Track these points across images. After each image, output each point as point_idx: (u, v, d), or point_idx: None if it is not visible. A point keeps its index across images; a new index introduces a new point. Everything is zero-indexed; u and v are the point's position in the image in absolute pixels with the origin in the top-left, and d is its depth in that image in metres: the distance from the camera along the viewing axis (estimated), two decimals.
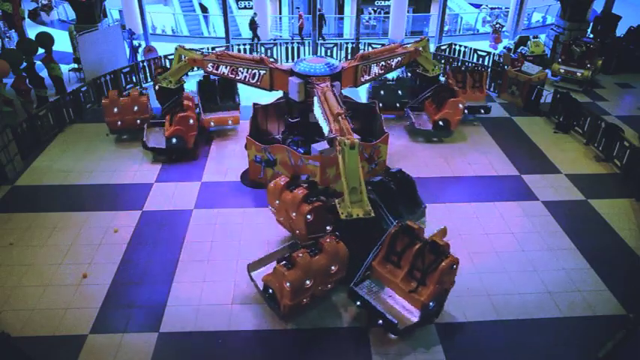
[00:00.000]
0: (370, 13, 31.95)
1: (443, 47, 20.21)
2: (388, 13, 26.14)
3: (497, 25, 23.25)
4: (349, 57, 19.63)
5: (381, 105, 13.76)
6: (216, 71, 12.38)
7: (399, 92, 15.17)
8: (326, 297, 8.60)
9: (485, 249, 9.87)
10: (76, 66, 18.38)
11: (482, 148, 13.81)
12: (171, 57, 18.35)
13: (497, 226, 10.58)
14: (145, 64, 17.79)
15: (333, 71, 11.31)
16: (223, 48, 19.79)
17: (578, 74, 17.58)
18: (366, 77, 12.67)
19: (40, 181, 12.12)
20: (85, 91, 15.48)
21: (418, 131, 14.24)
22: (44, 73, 16.76)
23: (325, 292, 8.43)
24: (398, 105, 15.10)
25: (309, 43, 20.99)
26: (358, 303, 8.01)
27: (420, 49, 13.69)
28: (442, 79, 15.43)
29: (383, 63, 12.84)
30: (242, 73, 12.09)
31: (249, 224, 10.57)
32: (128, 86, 17.23)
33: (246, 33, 26.89)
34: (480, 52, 19.46)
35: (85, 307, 8.46)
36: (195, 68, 15.06)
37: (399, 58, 13.17)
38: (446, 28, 25.82)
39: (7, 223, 10.57)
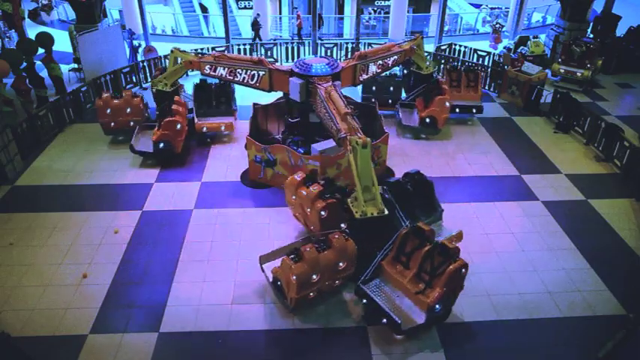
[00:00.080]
0: (370, 13, 31.96)
1: (443, 47, 20.21)
2: (388, 13, 26.16)
3: (497, 25, 23.25)
4: (349, 57, 19.63)
5: (373, 101, 13.94)
6: (213, 73, 12.25)
7: (390, 89, 15.37)
8: (334, 293, 8.66)
9: (485, 249, 9.87)
10: (76, 66, 18.39)
11: (482, 148, 13.81)
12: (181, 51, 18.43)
13: (497, 226, 10.58)
14: (144, 64, 17.79)
15: (334, 71, 11.32)
16: (223, 48, 19.87)
17: (578, 74, 17.58)
18: (365, 76, 12.71)
19: (40, 181, 12.12)
20: (85, 91, 15.48)
21: (420, 130, 14.28)
22: (44, 73, 16.76)
23: (333, 288, 8.52)
24: (390, 101, 15.25)
25: (309, 43, 20.99)
26: (364, 301, 8.07)
27: (415, 47, 13.83)
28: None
29: (380, 62, 12.94)
30: (240, 74, 12.00)
31: (249, 224, 10.57)
32: (128, 86, 17.26)
33: (246, 33, 26.94)
34: (480, 52, 19.46)
35: (85, 307, 8.46)
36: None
37: (396, 57, 13.34)
38: (446, 28, 25.83)
39: (7, 223, 10.57)
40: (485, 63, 18.75)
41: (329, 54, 20.24)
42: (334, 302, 8.58)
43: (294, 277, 7.66)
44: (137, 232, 10.30)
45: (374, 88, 15.13)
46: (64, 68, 17.96)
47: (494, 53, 19.31)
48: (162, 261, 9.51)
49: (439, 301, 7.55)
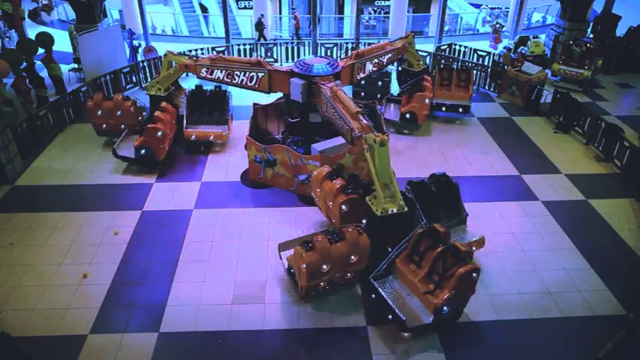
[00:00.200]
0: (370, 13, 31.96)
1: (443, 47, 20.21)
2: (388, 13, 26.16)
3: (497, 25, 23.24)
4: (346, 56, 19.64)
5: (363, 94, 14.06)
6: (210, 76, 12.09)
7: (379, 83, 15.53)
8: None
9: (486, 249, 9.84)
10: (76, 66, 18.38)
11: (482, 148, 13.81)
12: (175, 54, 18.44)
13: (497, 226, 10.58)
14: (145, 64, 17.78)
15: (335, 70, 11.33)
16: (223, 48, 19.87)
17: (577, 73, 17.57)
18: (362, 75, 12.80)
19: (40, 181, 12.12)
20: (85, 91, 15.47)
21: (401, 125, 14.47)
22: (44, 73, 16.76)
23: (344, 280, 8.65)
24: (379, 96, 15.40)
25: (308, 43, 20.99)
26: (373, 296, 8.16)
27: (407, 44, 14.01)
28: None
29: (376, 60, 13.07)
30: (239, 76, 11.86)
31: (249, 224, 10.57)
32: (128, 86, 17.26)
33: (246, 33, 26.94)
34: (480, 52, 19.46)
35: (85, 307, 8.46)
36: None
37: (390, 55, 13.52)
38: (446, 28, 25.83)
39: (7, 223, 10.57)
40: (485, 63, 18.74)
41: (329, 54, 20.24)
42: (335, 302, 8.59)
43: (304, 266, 7.88)
44: (137, 232, 10.30)
45: (363, 82, 15.22)
46: (64, 68, 17.96)
47: (494, 53, 19.31)
48: (162, 261, 9.51)
49: (447, 302, 7.53)
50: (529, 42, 19.47)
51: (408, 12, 25.41)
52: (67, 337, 7.91)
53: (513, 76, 16.60)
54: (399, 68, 16.09)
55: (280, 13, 30.99)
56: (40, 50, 17.00)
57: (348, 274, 8.57)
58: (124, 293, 8.76)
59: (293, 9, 29.70)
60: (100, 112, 13.18)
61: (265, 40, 21.92)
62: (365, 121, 9.42)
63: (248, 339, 7.92)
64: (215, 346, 7.79)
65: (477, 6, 30.94)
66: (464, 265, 7.46)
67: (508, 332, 8.12)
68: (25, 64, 15.57)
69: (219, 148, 13.58)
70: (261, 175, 11.84)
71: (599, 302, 8.70)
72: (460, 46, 20.19)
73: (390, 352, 7.71)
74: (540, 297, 8.78)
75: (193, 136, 13.11)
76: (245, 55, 20.04)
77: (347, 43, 20.65)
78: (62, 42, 20.11)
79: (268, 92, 12.05)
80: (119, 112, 13.18)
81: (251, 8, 25.03)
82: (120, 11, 24.78)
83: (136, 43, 20.15)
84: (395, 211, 8.43)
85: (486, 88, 17.76)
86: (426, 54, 18.88)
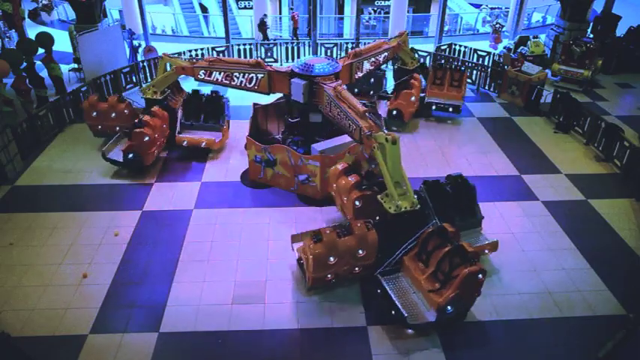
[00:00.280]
0: (370, 13, 31.98)
1: (443, 47, 20.21)
2: (388, 13, 26.17)
3: (497, 25, 23.24)
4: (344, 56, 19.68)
5: (356, 91, 14.22)
6: (208, 78, 11.96)
7: (371, 80, 15.63)
8: (347, 286, 8.81)
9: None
10: (76, 66, 18.37)
11: (482, 148, 13.81)
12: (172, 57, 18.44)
13: (497, 226, 10.57)
14: (145, 64, 17.78)
15: (336, 70, 11.34)
16: (223, 48, 19.88)
17: (577, 73, 17.57)
18: (360, 74, 12.85)
19: (40, 181, 12.12)
20: (85, 91, 15.47)
21: (387, 122, 14.47)
22: (44, 73, 16.76)
23: (352, 275, 8.73)
24: (372, 93, 15.48)
25: (308, 43, 20.99)
26: (379, 291, 8.23)
27: (401, 43, 14.19)
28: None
29: (373, 59, 13.16)
30: (238, 78, 11.76)
31: (249, 224, 10.57)
32: (128, 86, 17.27)
33: (246, 33, 26.95)
34: (480, 52, 19.46)
35: (85, 307, 8.46)
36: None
37: (386, 53, 13.66)
38: (446, 28, 25.83)
39: (7, 223, 10.57)
40: (485, 63, 18.75)
41: (329, 54, 20.24)
42: (335, 302, 8.59)
43: (311, 257, 8.03)
44: (137, 232, 10.30)
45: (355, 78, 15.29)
46: (64, 68, 17.95)
47: (494, 53, 19.31)
48: (163, 261, 9.51)
49: (450, 302, 7.53)
50: (529, 42, 19.46)
51: (408, 12, 25.41)
52: (67, 337, 7.91)
53: (513, 76, 16.60)
54: (395, 66, 16.23)
55: (280, 13, 31.00)
56: (40, 50, 16.99)
57: (356, 269, 8.64)
58: (124, 293, 8.76)
59: (291, 9, 29.67)
60: (94, 114, 13.11)
61: (267, 40, 21.91)
62: (373, 120, 9.45)
63: (248, 339, 7.92)
64: (215, 346, 7.79)
65: (477, 6, 30.95)
66: (469, 266, 7.46)
67: (508, 332, 8.12)
68: (25, 64, 15.56)
69: (219, 149, 13.55)
70: (261, 175, 11.84)
71: (599, 302, 8.69)
72: (460, 46, 20.20)
73: (390, 351, 7.71)
74: (540, 297, 8.78)
75: (185, 142, 12.85)
76: (245, 56, 20.06)
77: (347, 43, 20.65)
78: (62, 42, 20.11)
79: (268, 93, 12.00)
80: (113, 114, 13.05)
81: (251, 8, 25.02)
82: (120, 11, 24.79)
83: (136, 43, 20.14)
84: (408, 208, 8.46)
85: (486, 88, 17.76)
86: (426, 54, 18.91)
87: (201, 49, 19.26)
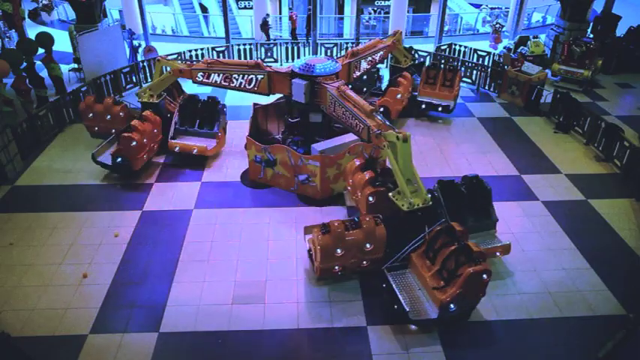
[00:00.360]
0: (370, 13, 31.98)
1: (443, 47, 20.21)
2: (388, 13, 26.17)
3: (497, 25, 23.24)
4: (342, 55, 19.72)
5: (350, 87, 14.10)
6: (207, 80, 11.84)
7: (364, 77, 15.62)
8: (347, 286, 8.87)
9: None
10: (76, 66, 18.38)
11: (482, 148, 13.81)
12: (172, 57, 18.44)
13: (497, 226, 10.55)
14: (145, 64, 17.78)
15: (337, 70, 11.35)
16: (223, 48, 19.88)
17: (577, 73, 17.58)
18: (357, 73, 12.91)
19: (40, 181, 12.12)
20: (85, 91, 15.47)
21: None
22: (44, 73, 16.77)
23: (360, 268, 8.86)
24: (365, 90, 15.52)
25: (308, 43, 20.99)
26: (384, 285, 8.36)
27: (395, 41, 14.32)
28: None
29: (370, 58, 13.23)
30: (237, 79, 11.69)
31: (249, 224, 10.57)
32: (128, 86, 17.27)
33: (246, 33, 26.94)
34: (480, 52, 19.46)
35: (85, 307, 8.46)
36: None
37: (381, 52, 13.76)
38: (446, 28, 25.83)
39: (7, 223, 10.58)
40: (485, 63, 18.75)
41: (329, 54, 20.24)
42: (335, 302, 8.59)
43: (319, 247, 8.27)
44: (137, 232, 10.30)
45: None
46: (64, 68, 17.96)
47: (494, 53, 19.31)
48: (163, 261, 9.51)
49: (453, 300, 7.55)
50: (529, 42, 19.47)
51: (408, 12, 25.42)
52: (67, 337, 7.91)
53: (513, 76, 16.60)
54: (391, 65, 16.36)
55: (280, 13, 31.00)
56: (40, 50, 17.00)
57: (364, 262, 8.75)
58: (124, 293, 8.76)
59: (290, 9, 29.65)
60: (91, 115, 13.08)
61: (269, 39, 21.91)
62: (380, 119, 9.48)
63: (248, 339, 7.92)
64: (215, 346, 7.79)
65: (477, 6, 30.94)
66: (474, 266, 7.48)
67: (508, 332, 8.12)
68: (25, 64, 15.56)
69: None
70: (261, 175, 11.84)
71: (599, 302, 8.69)
72: (460, 46, 20.20)
73: (390, 352, 7.71)
74: (540, 297, 8.78)
75: (177, 148, 12.56)
76: (245, 56, 20.07)
77: (347, 43, 20.66)
78: (62, 42, 20.12)
79: (268, 94, 11.98)
80: (109, 117, 12.97)
81: (251, 8, 25.03)
82: (120, 11, 24.79)
83: (136, 43, 20.15)
84: (420, 205, 8.51)
85: (486, 88, 17.76)
86: (426, 54, 18.91)
87: (201, 49, 19.26)
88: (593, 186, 12.07)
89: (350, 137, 11.56)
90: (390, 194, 8.74)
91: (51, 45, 16.61)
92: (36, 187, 11.90)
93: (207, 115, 13.05)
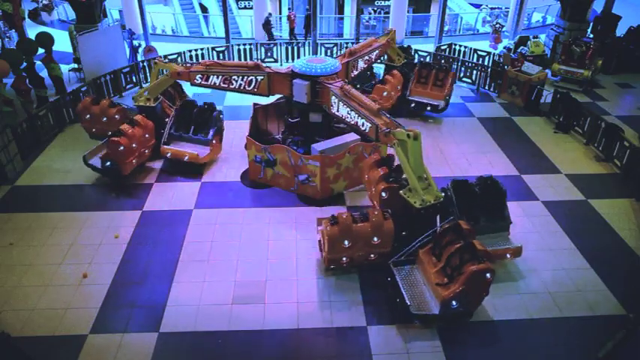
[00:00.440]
0: (370, 13, 31.97)
1: (443, 47, 20.21)
2: (388, 13, 26.16)
3: (497, 25, 23.25)
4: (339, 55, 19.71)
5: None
6: (205, 83, 11.71)
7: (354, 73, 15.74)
8: (347, 286, 8.91)
9: None
10: (76, 66, 18.39)
11: (482, 148, 13.81)
12: (172, 57, 18.46)
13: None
14: (145, 64, 17.78)
15: (338, 69, 11.35)
16: (223, 48, 19.88)
17: (577, 73, 17.58)
18: (355, 72, 12.92)
19: (40, 181, 12.12)
20: (85, 91, 15.48)
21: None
22: (44, 73, 16.77)
23: (367, 261, 8.99)
24: (358, 86, 15.52)
25: (308, 43, 21.01)
26: (389, 279, 8.48)
27: (389, 40, 14.43)
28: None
29: (366, 57, 13.28)
30: (236, 81, 11.58)
31: (249, 224, 10.57)
32: (128, 86, 17.27)
33: (246, 33, 26.94)
34: (480, 52, 19.46)
35: (85, 307, 8.46)
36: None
37: (377, 51, 13.83)
38: (446, 28, 25.83)
39: (7, 223, 10.57)
40: (485, 63, 18.75)
41: (329, 54, 20.24)
42: (335, 302, 8.59)
43: (327, 238, 8.49)
44: (137, 232, 10.30)
45: None
46: (64, 68, 17.96)
47: (494, 53, 19.31)
48: (162, 261, 9.51)
49: (455, 297, 7.60)
50: (529, 42, 19.47)
51: (408, 12, 25.41)
52: (67, 337, 7.90)
53: (513, 76, 16.60)
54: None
55: (280, 13, 31.00)
56: (40, 50, 17.00)
57: (372, 256, 8.88)
58: (124, 293, 8.76)
59: (289, 9, 29.64)
60: (88, 116, 13.03)
61: (273, 38, 21.89)
62: (387, 117, 9.53)
63: (248, 339, 7.91)
64: (215, 346, 7.79)
65: (477, 6, 30.94)
66: (477, 264, 7.52)
67: (508, 332, 8.12)
68: (25, 64, 15.57)
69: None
70: (261, 175, 11.84)
71: (599, 302, 8.69)
72: (460, 46, 20.19)
73: (390, 352, 7.71)
74: (540, 297, 8.78)
75: (169, 154, 12.28)
76: (245, 55, 20.07)
77: (347, 43, 20.66)
78: (62, 42, 20.12)
79: (268, 95, 11.95)
80: (104, 119, 12.86)
81: (251, 8, 25.02)
82: (120, 11, 24.80)
83: (136, 43, 20.16)
84: (431, 201, 8.57)
85: (486, 88, 17.76)
86: (426, 54, 18.91)
87: (201, 49, 19.26)
88: (593, 186, 12.07)
89: (350, 137, 11.56)
90: (401, 192, 8.82)
91: (51, 45, 16.61)
92: (36, 187, 11.89)
93: (202, 122, 12.68)
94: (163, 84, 12.53)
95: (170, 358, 7.66)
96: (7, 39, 21.23)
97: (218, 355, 7.69)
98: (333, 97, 10.61)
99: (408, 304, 7.88)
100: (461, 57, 19.40)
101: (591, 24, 20.11)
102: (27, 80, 15.61)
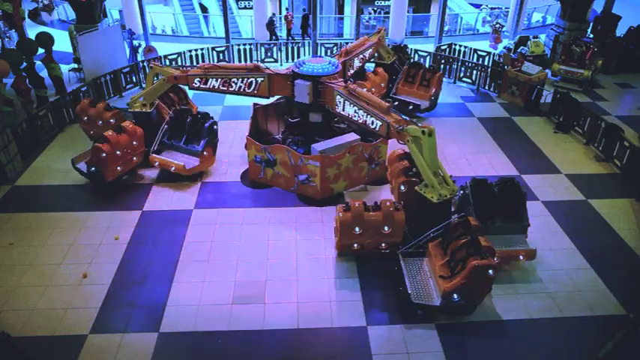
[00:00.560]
0: (370, 13, 31.97)
1: (443, 47, 20.21)
2: (388, 13, 26.16)
3: (497, 25, 23.25)
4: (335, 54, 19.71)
5: None
6: (204, 86, 11.59)
7: None
8: (347, 286, 8.96)
9: None
10: (76, 66, 18.39)
11: (482, 148, 13.81)
12: (172, 57, 18.47)
13: None
14: (144, 64, 17.78)
15: (338, 69, 11.36)
16: (223, 48, 19.88)
17: (577, 73, 17.59)
18: (351, 71, 12.99)
19: (40, 181, 12.12)
20: (85, 91, 15.48)
21: None
22: (44, 73, 16.77)
23: (378, 250, 9.24)
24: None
25: (308, 43, 21.00)
26: (396, 268, 8.72)
27: (380, 38, 14.68)
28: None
29: (361, 56, 13.41)
30: (236, 83, 11.48)
31: (249, 224, 10.57)
32: (128, 86, 17.27)
33: (246, 33, 26.94)
34: (480, 52, 19.46)
35: (85, 307, 8.46)
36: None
37: (370, 50, 14.03)
38: (446, 28, 25.82)
39: (7, 223, 10.57)
40: (486, 63, 18.75)
41: (329, 54, 20.23)
42: (335, 302, 8.59)
43: (339, 223, 8.85)
44: (137, 232, 10.30)
45: None
46: (64, 68, 17.97)
47: (494, 53, 19.31)
48: (162, 261, 9.51)
49: (457, 290, 7.72)
50: (529, 42, 19.47)
51: (408, 12, 25.40)
52: (67, 337, 7.91)
53: (513, 76, 16.60)
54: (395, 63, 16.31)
55: (280, 13, 30.98)
56: (40, 50, 17.00)
57: (383, 245, 9.13)
58: (124, 293, 8.76)
59: (287, 9, 29.64)
60: (85, 118, 12.99)
61: (277, 39, 21.89)
62: (398, 114, 9.59)
63: (248, 339, 7.92)
64: (215, 346, 7.79)
65: (477, 6, 30.93)
66: (479, 259, 7.58)
67: (508, 332, 8.13)
68: (25, 64, 15.57)
69: (218, 149, 13.50)
70: (261, 175, 11.84)
71: (599, 302, 8.70)
72: (460, 46, 20.19)
73: (390, 352, 7.71)
74: (540, 297, 8.78)
75: (157, 163, 11.94)
76: (245, 55, 20.07)
77: (347, 43, 20.60)
78: (62, 42, 20.12)
79: (268, 97, 11.93)
80: (100, 122, 12.73)
81: (251, 8, 25.01)
82: (120, 11, 24.79)
83: (136, 43, 20.16)
84: (448, 195, 8.71)
85: (486, 88, 17.76)
86: (426, 54, 18.91)
87: (201, 49, 19.26)
88: (593, 186, 12.07)
89: (350, 137, 11.57)
90: (416, 187, 8.93)
91: (51, 45, 16.62)
92: (36, 187, 11.89)
93: (194, 131, 12.20)
94: (159, 89, 12.29)
95: (170, 358, 7.66)
96: (7, 39, 21.23)
97: (218, 355, 7.69)
98: (338, 97, 10.59)
99: (409, 292, 8.08)
100: (461, 57, 19.39)
101: (591, 24, 20.11)
102: (27, 80, 15.61)
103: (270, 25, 21.97)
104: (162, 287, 8.88)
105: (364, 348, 7.77)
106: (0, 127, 12.14)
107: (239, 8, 30.47)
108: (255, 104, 13.03)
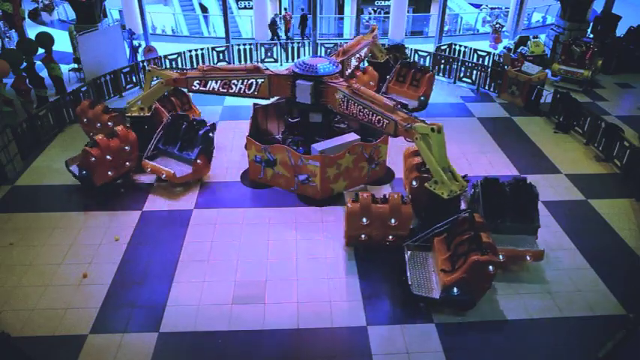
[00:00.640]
0: (370, 13, 31.96)
1: (443, 47, 20.20)
2: (388, 13, 26.15)
3: (497, 25, 23.24)
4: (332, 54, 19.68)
5: None
6: (204, 88, 11.45)
7: None
8: (347, 286, 8.98)
9: None
10: (76, 66, 18.38)
11: (482, 148, 13.81)
12: (172, 57, 18.47)
13: None
14: (145, 64, 17.77)
15: (339, 68, 11.36)
16: (223, 48, 19.88)
17: (577, 73, 17.59)
18: (349, 70, 13.00)
19: (40, 181, 12.12)
20: (85, 91, 15.48)
21: None
22: (44, 73, 16.77)
23: (385, 242, 9.43)
24: None
25: (308, 43, 21.00)
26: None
27: (374, 37, 14.78)
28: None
29: (358, 55, 13.44)
30: (236, 85, 11.39)
31: (249, 224, 10.57)
32: (128, 86, 17.27)
33: (246, 33, 26.94)
34: (480, 52, 19.46)
35: (85, 307, 8.46)
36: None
37: (365, 49, 14.09)
38: (446, 28, 25.82)
39: (7, 223, 10.57)
40: (486, 63, 18.74)
41: (329, 54, 20.21)
42: (335, 302, 8.59)
43: (347, 213, 9.08)
44: (137, 232, 10.30)
45: None
46: (64, 68, 17.96)
47: (494, 53, 19.31)
48: (162, 261, 9.51)
49: (456, 284, 7.83)
50: (529, 42, 19.47)
51: (408, 12, 25.40)
52: (67, 337, 7.91)
53: (513, 76, 16.60)
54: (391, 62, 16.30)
55: (280, 13, 30.96)
56: (40, 50, 17.00)
57: (390, 237, 9.32)
58: (124, 293, 8.76)
59: (285, 9, 29.62)
60: (85, 120, 12.97)
61: (279, 39, 21.89)
62: (404, 112, 9.64)
63: (248, 339, 7.92)
64: (215, 346, 7.79)
65: (477, 6, 30.93)
66: (480, 255, 7.63)
67: (508, 332, 8.13)
68: (25, 64, 15.56)
69: (218, 149, 13.50)
70: (261, 175, 11.84)
71: (599, 302, 8.70)
72: (460, 46, 20.19)
73: (390, 352, 7.71)
74: (540, 297, 8.78)
75: (149, 169, 11.73)
76: (245, 55, 20.07)
77: (347, 43, 20.63)
78: (62, 42, 20.11)
79: (268, 98, 11.91)
80: (98, 125, 12.68)
81: (251, 8, 25.01)
82: (120, 11, 24.77)
83: (136, 43, 20.14)
84: (458, 192, 8.82)
85: (486, 88, 17.76)
86: (426, 54, 18.91)
87: (201, 49, 19.26)
88: (593, 186, 12.07)
89: (350, 137, 11.57)
90: (426, 184, 9.01)
91: (51, 45, 16.61)
92: (36, 187, 11.89)
93: (189, 138, 11.98)
94: (157, 92, 12.11)
95: (170, 358, 7.66)
96: (7, 39, 21.22)
97: (218, 355, 7.69)
98: (341, 96, 10.58)
99: (410, 283, 8.21)
100: (461, 57, 19.39)
101: (591, 24, 20.11)
102: (27, 80, 15.61)
103: (273, 26, 21.98)
104: (162, 287, 8.88)
105: (364, 348, 7.77)
106: (0, 127, 12.14)
107: (239, 8, 30.47)
108: (255, 104, 13.03)
